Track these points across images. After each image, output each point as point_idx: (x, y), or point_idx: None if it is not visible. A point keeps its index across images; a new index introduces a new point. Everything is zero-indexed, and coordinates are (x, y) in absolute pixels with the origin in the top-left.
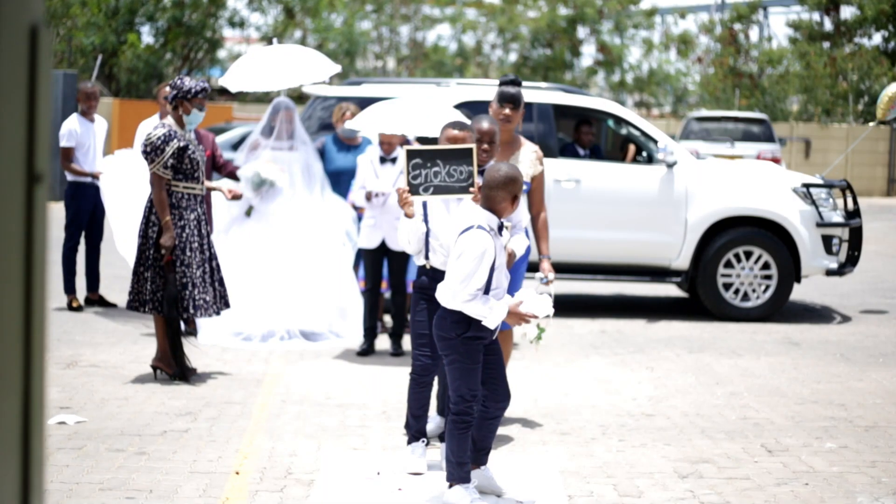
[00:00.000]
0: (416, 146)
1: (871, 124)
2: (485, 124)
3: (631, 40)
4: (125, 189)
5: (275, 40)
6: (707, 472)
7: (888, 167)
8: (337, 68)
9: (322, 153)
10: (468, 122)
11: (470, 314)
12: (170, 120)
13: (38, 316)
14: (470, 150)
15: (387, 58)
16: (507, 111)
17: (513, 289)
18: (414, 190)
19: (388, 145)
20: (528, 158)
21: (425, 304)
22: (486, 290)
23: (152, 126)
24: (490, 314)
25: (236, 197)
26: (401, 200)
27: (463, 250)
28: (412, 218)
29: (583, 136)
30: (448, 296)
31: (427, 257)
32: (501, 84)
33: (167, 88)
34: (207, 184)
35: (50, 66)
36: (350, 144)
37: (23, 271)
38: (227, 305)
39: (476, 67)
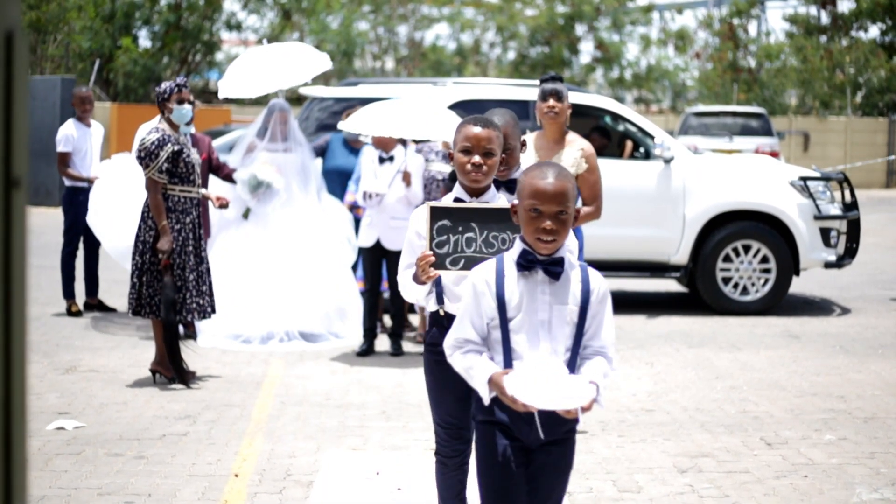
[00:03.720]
0: (442, 203)
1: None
2: (476, 128)
3: (629, 37)
4: (116, 194)
5: (265, 41)
6: (706, 466)
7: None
8: (328, 62)
9: (324, 151)
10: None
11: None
12: (164, 125)
13: (18, 323)
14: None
15: (385, 58)
16: (551, 102)
17: None
18: (439, 261)
19: (383, 145)
20: (571, 157)
21: (440, 365)
22: (506, 350)
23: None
24: (470, 378)
25: (224, 205)
26: (420, 271)
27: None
28: (424, 281)
29: (592, 141)
30: None
31: (441, 301)
32: (542, 81)
33: None
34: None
35: (26, 70)
36: (355, 147)
37: (2, 276)
38: (213, 311)
39: (475, 66)
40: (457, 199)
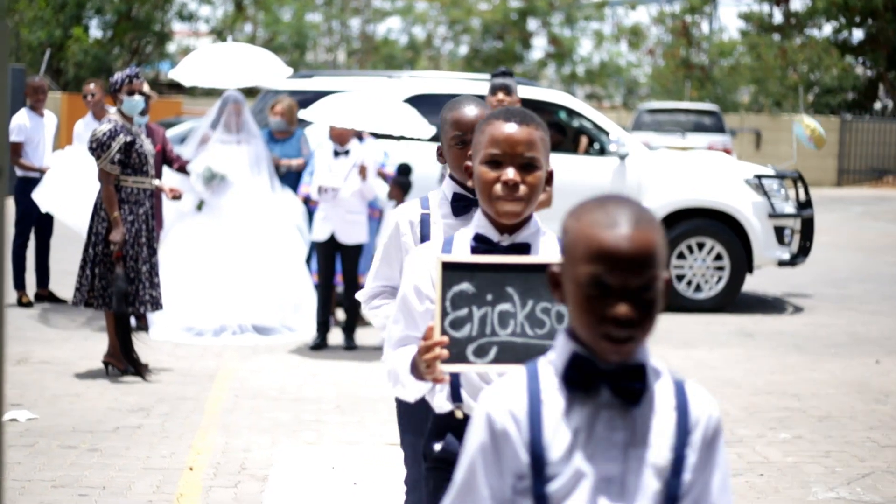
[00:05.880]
0: (455, 257)
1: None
2: (510, 125)
3: (582, 32)
4: (67, 181)
5: (230, 38)
6: None
7: (838, 158)
8: (288, 71)
9: None
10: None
11: None
12: (115, 115)
13: None
14: None
15: (337, 51)
16: (500, 97)
17: None
18: (456, 351)
19: (340, 137)
20: None
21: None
22: None
23: (84, 125)
24: None
25: (177, 197)
26: (425, 367)
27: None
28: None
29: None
30: None
31: (458, 398)
32: (493, 76)
33: (91, 86)
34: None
35: (7, 60)
36: (281, 138)
37: None
38: (159, 306)
39: (427, 60)
40: (478, 240)
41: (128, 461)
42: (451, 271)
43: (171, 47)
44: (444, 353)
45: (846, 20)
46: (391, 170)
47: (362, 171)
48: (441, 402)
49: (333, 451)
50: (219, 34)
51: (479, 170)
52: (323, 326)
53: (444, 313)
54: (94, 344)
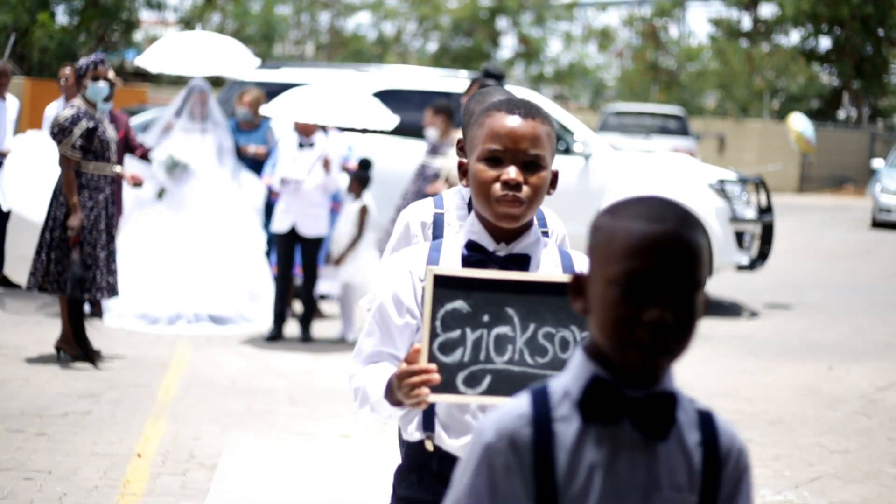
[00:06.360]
0: (450, 270)
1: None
2: (513, 118)
3: (551, 33)
4: (28, 171)
5: (198, 26)
6: None
7: (801, 165)
8: (256, 62)
9: None
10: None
11: None
12: (79, 101)
13: None
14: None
15: (306, 44)
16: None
17: None
18: (445, 377)
19: (305, 130)
20: None
21: None
22: None
23: (56, 109)
24: None
25: (138, 184)
26: (406, 391)
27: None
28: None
29: None
30: None
31: (430, 427)
32: (486, 75)
33: (66, 70)
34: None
35: None
36: (247, 128)
37: None
38: (116, 293)
39: (396, 57)
40: (470, 248)
41: (75, 446)
42: (444, 287)
43: (138, 36)
44: (436, 377)
45: (814, 28)
46: (355, 163)
47: (326, 164)
48: (411, 430)
49: (284, 441)
50: (187, 24)
51: (476, 167)
52: (279, 318)
53: (434, 335)
54: (48, 329)
